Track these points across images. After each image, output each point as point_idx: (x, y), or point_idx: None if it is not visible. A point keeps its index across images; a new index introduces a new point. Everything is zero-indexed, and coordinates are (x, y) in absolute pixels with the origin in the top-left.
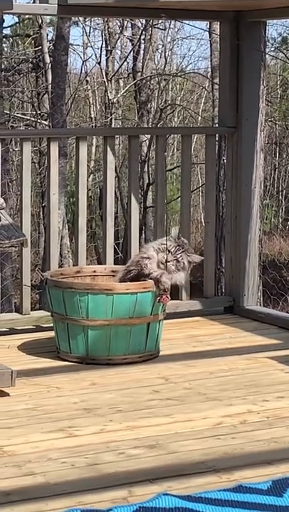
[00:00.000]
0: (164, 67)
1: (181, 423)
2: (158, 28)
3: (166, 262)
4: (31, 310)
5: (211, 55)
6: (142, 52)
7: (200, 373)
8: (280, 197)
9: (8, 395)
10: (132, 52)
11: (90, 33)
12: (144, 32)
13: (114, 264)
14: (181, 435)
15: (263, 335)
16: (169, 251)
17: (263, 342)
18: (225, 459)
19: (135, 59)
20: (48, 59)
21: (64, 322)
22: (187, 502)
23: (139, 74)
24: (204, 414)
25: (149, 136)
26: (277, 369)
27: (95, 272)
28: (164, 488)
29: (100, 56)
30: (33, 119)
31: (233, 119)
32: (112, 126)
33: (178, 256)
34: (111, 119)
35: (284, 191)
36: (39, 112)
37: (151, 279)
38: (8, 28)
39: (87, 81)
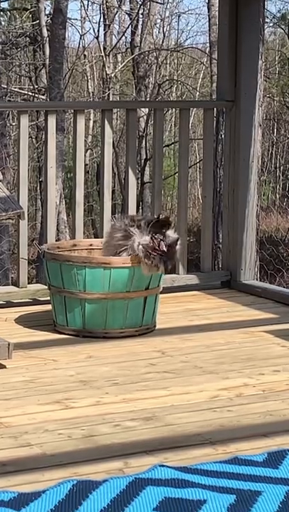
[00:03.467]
0: (162, 41)
1: (178, 396)
2: (156, 2)
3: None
4: (28, 284)
5: (209, 30)
6: (140, 26)
7: (196, 347)
8: (278, 173)
9: (4, 367)
10: (130, 27)
11: (88, 7)
12: (142, 6)
13: None
14: (178, 408)
15: (260, 309)
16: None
17: (259, 316)
18: (221, 431)
19: (133, 33)
20: (45, 33)
21: (61, 295)
22: (183, 473)
23: (137, 49)
24: (201, 387)
25: (146, 111)
26: (274, 343)
27: (91, 245)
28: (160, 460)
29: (98, 30)
30: (30, 93)
31: (231, 93)
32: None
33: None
34: (109, 93)
35: (281, 167)
36: (36, 86)
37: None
38: (6, 2)
39: (84, 55)
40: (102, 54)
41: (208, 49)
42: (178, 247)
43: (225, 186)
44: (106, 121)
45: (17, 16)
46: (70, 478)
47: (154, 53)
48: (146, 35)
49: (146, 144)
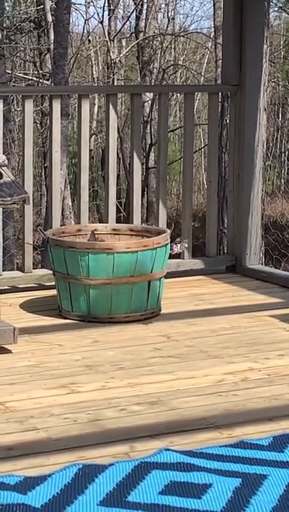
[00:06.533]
0: (167, 26)
1: (183, 380)
2: None
3: None
4: (33, 269)
5: (214, 15)
6: (144, 11)
7: (202, 331)
8: (283, 158)
9: (10, 352)
10: (134, 12)
11: None
12: None
13: (117, 222)
14: (183, 392)
15: (265, 294)
16: None
17: (264, 301)
18: (226, 415)
19: (138, 18)
20: (50, 18)
21: (66, 281)
22: (189, 457)
23: (142, 33)
24: (206, 371)
25: (151, 96)
26: (279, 327)
27: (96, 230)
28: (165, 444)
29: (103, 15)
30: (35, 78)
31: (236, 77)
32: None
33: None
34: (113, 79)
35: (287, 152)
36: (41, 71)
37: None
38: None
39: (89, 40)
40: (107, 39)
41: (212, 34)
42: None
43: (230, 171)
44: (111, 106)
45: (21, 1)
46: (75, 462)
47: (159, 38)
48: (151, 19)
49: (151, 129)
